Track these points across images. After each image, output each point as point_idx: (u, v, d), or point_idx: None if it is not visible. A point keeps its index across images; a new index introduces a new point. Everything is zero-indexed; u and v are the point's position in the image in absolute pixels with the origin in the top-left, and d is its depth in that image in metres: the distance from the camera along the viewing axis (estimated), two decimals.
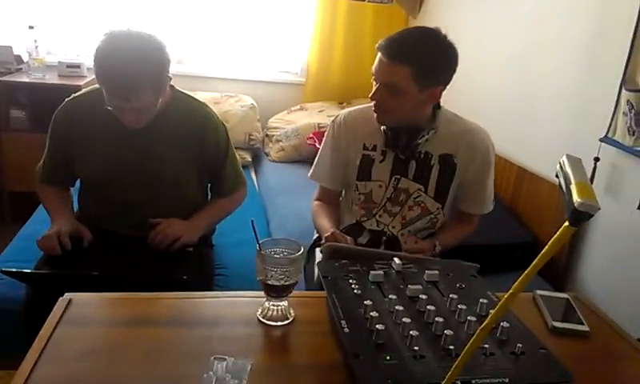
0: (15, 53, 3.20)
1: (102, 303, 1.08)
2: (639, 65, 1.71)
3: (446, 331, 0.88)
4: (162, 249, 1.55)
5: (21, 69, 3.21)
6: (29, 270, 1.46)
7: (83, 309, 1.03)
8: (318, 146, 1.71)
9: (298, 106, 3.70)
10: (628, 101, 1.74)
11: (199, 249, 1.67)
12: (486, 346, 0.87)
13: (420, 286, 1.03)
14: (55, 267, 1.48)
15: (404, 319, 0.91)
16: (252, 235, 1.03)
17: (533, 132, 2.36)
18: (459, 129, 1.56)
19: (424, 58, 1.40)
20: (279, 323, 1.02)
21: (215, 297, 1.22)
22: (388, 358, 0.83)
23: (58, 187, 1.69)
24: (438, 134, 1.52)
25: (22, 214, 2.38)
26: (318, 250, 1.52)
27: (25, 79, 3.08)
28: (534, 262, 0.59)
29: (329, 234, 1.44)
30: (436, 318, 0.92)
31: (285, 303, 1.03)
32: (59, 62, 3.21)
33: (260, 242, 1.01)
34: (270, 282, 0.99)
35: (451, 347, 0.86)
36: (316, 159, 1.70)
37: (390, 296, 0.99)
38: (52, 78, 3.12)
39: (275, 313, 1.03)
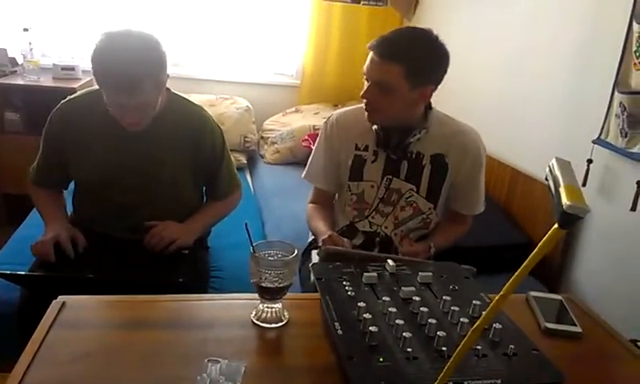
0: (10, 55, 3.19)
1: (96, 306, 1.08)
2: (631, 67, 1.72)
3: (438, 333, 0.89)
4: (157, 251, 1.55)
5: (15, 71, 3.20)
6: (23, 272, 1.46)
7: (77, 311, 1.03)
8: (313, 147, 1.72)
9: (294, 108, 3.71)
10: (620, 103, 1.75)
11: (194, 251, 1.67)
12: (479, 347, 0.87)
13: (413, 288, 1.04)
14: (50, 269, 1.47)
15: (397, 321, 0.91)
16: (247, 237, 1.03)
17: (526, 134, 2.37)
18: (451, 129, 1.57)
19: (416, 57, 1.41)
20: (273, 325, 1.02)
21: (210, 299, 1.21)
22: (381, 359, 0.84)
23: (52, 189, 1.68)
24: (429, 135, 1.53)
25: (16, 217, 2.37)
26: (314, 252, 1.52)
27: (19, 82, 3.08)
28: (524, 264, 0.60)
29: (326, 236, 1.44)
30: (429, 320, 0.92)
31: (279, 305, 1.04)
32: (54, 65, 3.21)
33: (254, 244, 1.01)
34: (263, 285, 0.99)
35: (444, 348, 0.87)
36: (309, 160, 1.70)
37: (383, 298, 1.00)
38: (47, 81, 3.11)
39: (269, 315, 1.03)
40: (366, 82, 1.48)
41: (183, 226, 1.63)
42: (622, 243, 1.81)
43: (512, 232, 2.25)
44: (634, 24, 1.70)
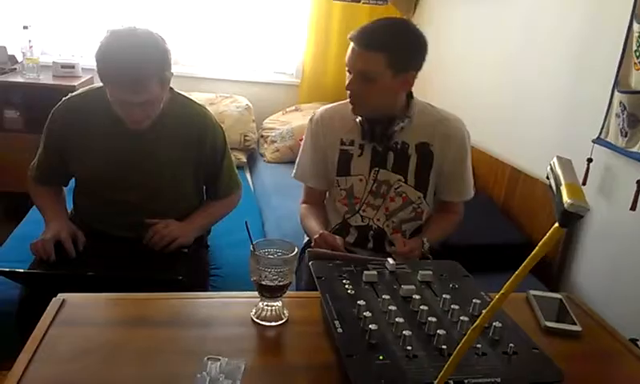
0: (9, 53, 3.19)
1: (95, 303, 1.08)
2: (631, 66, 1.72)
3: (438, 331, 0.89)
4: (158, 249, 1.55)
5: (15, 69, 3.20)
6: (23, 270, 1.46)
7: (77, 309, 1.03)
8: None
9: (293, 107, 3.71)
10: (620, 102, 1.75)
11: (194, 250, 1.67)
12: (479, 345, 0.87)
13: (413, 286, 1.04)
14: (49, 267, 1.47)
15: (397, 319, 0.91)
16: (247, 236, 1.03)
17: (526, 133, 2.37)
18: (434, 118, 1.58)
19: (396, 45, 1.43)
20: (273, 323, 1.02)
21: (210, 297, 1.22)
22: (381, 357, 0.84)
23: (52, 187, 1.68)
24: (413, 124, 1.54)
25: (15, 215, 2.37)
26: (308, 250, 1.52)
27: (19, 79, 3.07)
28: (524, 263, 0.60)
29: (317, 235, 1.44)
30: (429, 318, 0.92)
31: (279, 303, 1.04)
32: (53, 63, 3.21)
33: (254, 242, 1.01)
34: (263, 283, 0.99)
35: (444, 347, 0.87)
36: (297, 159, 1.71)
37: (383, 296, 1.00)
38: (46, 79, 3.11)
39: (269, 313, 1.03)
40: (348, 74, 1.49)
41: (184, 224, 1.63)
42: (622, 242, 1.81)
43: (511, 231, 2.25)
44: (634, 23, 1.70)
